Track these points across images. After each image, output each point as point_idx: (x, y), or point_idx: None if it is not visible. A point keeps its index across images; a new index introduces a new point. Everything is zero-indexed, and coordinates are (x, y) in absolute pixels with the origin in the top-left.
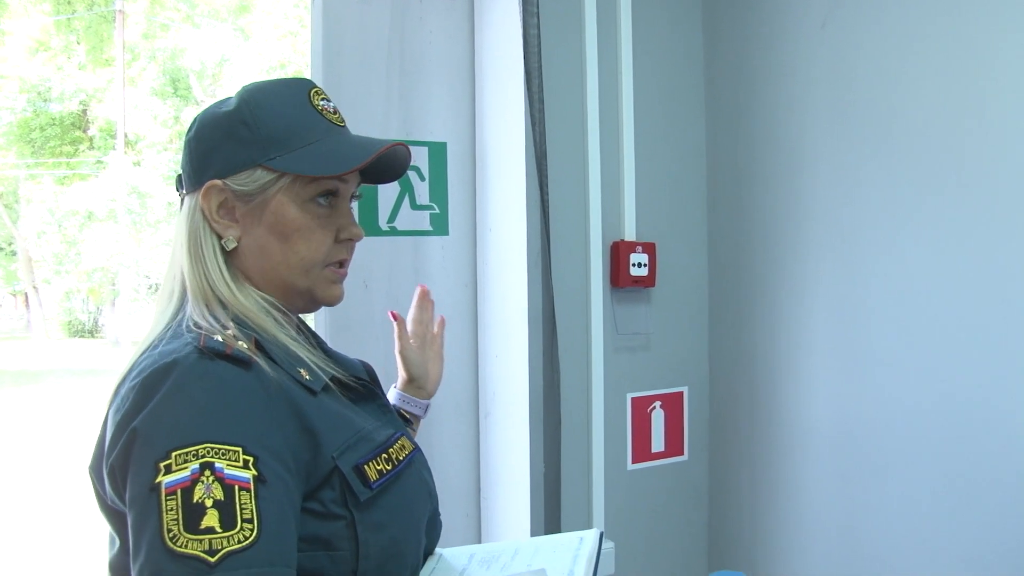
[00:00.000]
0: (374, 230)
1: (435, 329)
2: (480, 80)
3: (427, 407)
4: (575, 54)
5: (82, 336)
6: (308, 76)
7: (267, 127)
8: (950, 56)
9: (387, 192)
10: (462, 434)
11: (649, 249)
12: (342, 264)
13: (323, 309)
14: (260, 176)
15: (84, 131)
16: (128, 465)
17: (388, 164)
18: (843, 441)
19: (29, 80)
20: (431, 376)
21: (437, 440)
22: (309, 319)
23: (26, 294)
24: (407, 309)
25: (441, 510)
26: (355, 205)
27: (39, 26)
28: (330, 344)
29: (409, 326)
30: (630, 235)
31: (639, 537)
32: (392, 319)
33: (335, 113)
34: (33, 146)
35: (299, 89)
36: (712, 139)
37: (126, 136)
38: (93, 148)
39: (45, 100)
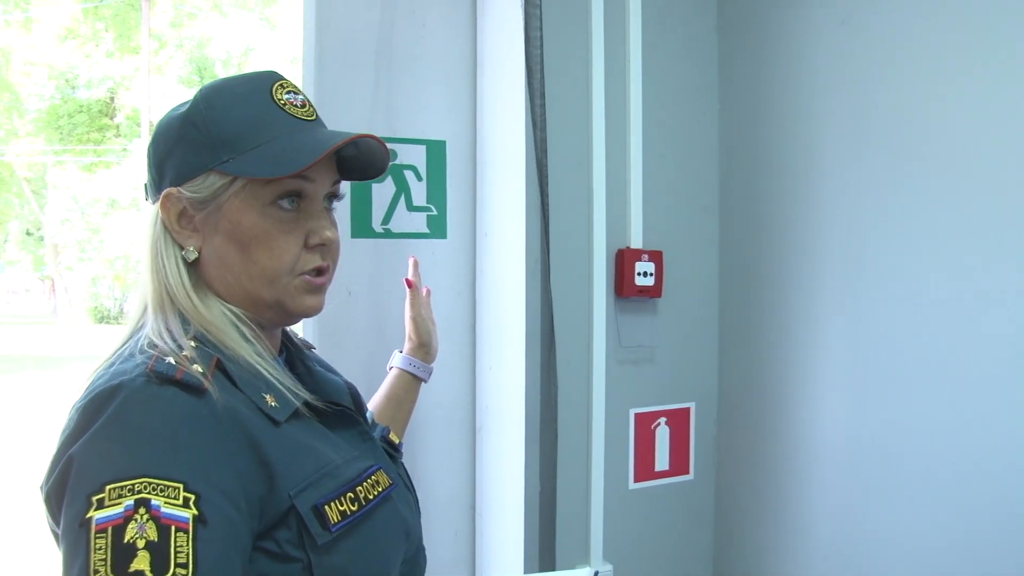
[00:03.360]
0: (367, 232)
1: (424, 296)
2: (481, 76)
3: (431, 372)
4: (580, 49)
5: (107, 322)
6: (301, 68)
7: (218, 128)
8: (977, 57)
9: (382, 193)
10: (455, 448)
11: (656, 257)
12: (320, 272)
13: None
14: (213, 181)
15: (111, 118)
16: (63, 495)
17: (366, 159)
18: (857, 463)
19: (57, 67)
20: (434, 341)
21: (429, 452)
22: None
23: (52, 280)
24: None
25: (431, 527)
26: (336, 206)
27: (68, 13)
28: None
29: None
30: (636, 242)
31: (640, 560)
32: (407, 286)
33: (303, 107)
34: (61, 133)
35: (260, 84)
36: (725, 141)
37: (151, 124)
38: (120, 135)
39: (73, 87)
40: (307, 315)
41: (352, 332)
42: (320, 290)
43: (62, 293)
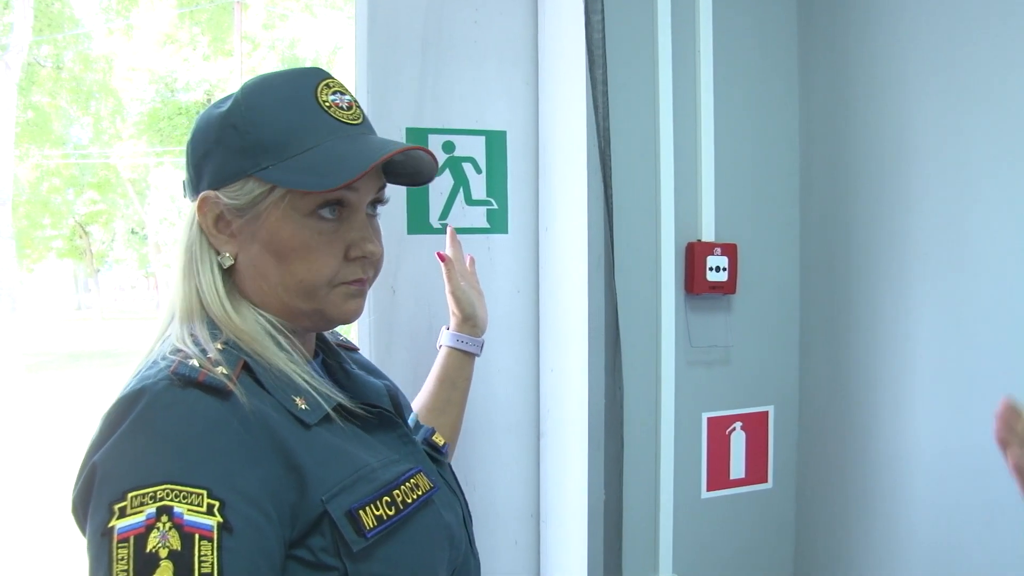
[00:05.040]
0: (425, 228)
1: (468, 266)
2: (542, 61)
3: (481, 344)
4: (647, 30)
5: None
6: (353, 58)
7: (259, 131)
8: None
9: (440, 187)
10: (517, 454)
11: (729, 251)
12: (359, 282)
13: None
14: (252, 188)
15: None
16: (88, 503)
17: (414, 165)
18: (953, 473)
19: (157, 72)
20: (479, 312)
21: (490, 459)
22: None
23: (155, 276)
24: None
25: (492, 535)
26: (381, 211)
27: (167, 19)
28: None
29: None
30: (708, 235)
31: (713, 575)
32: (440, 260)
33: (349, 109)
34: (161, 135)
35: (305, 83)
36: (806, 124)
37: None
38: None
39: (172, 91)
40: (348, 322)
41: (396, 331)
42: (360, 294)
43: (164, 289)
